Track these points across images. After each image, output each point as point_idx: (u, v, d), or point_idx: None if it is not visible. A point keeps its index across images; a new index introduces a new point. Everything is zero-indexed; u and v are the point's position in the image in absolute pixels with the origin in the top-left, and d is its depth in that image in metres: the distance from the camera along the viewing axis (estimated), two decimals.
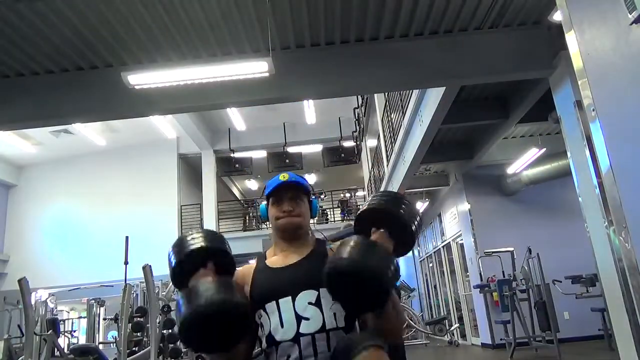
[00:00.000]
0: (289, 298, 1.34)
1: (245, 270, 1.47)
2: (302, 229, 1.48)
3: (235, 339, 1.25)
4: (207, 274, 1.30)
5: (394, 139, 8.38)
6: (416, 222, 1.38)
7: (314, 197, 1.53)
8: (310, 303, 1.33)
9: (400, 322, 1.44)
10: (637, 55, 1.45)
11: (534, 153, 7.01)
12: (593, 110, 1.70)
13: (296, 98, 5.88)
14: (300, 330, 1.31)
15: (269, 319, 1.35)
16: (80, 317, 11.78)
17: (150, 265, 5.75)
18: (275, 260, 1.46)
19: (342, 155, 12.95)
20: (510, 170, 7.77)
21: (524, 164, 7.31)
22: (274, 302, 1.35)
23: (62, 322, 8.96)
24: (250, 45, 4.48)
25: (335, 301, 1.32)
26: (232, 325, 1.21)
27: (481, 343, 8.39)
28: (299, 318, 1.32)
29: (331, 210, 14.91)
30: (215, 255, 1.35)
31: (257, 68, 4.06)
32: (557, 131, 5.85)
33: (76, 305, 12.63)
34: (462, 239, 9.00)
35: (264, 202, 1.52)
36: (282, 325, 1.32)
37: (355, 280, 1.22)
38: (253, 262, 1.52)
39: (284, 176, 1.47)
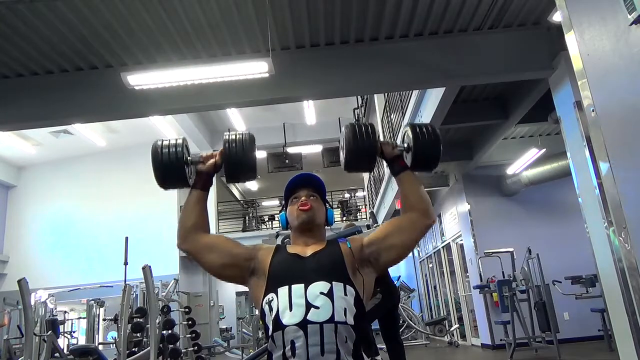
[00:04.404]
0: (302, 285, 1.37)
1: (267, 248, 1.54)
2: (316, 224, 1.55)
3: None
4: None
5: (394, 139, 8.38)
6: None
7: (329, 207, 1.62)
8: (322, 293, 1.35)
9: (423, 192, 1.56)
10: (637, 55, 1.45)
11: (533, 153, 7.01)
12: (593, 110, 1.70)
13: (296, 98, 5.87)
14: (308, 318, 1.31)
15: (279, 301, 1.36)
16: (79, 318, 11.78)
17: (149, 266, 5.76)
18: (293, 249, 1.53)
19: None
20: (510, 170, 7.76)
21: (524, 164, 7.31)
22: (286, 286, 1.38)
23: (61, 322, 8.94)
24: (250, 46, 4.48)
25: (345, 296, 1.37)
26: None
27: (481, 344, 8.38)
28: (308, 305, 1.33)
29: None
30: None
31: (256, 68, 4.05)
32: (557, 131, 5.85)
33: (76, 305, 12.61)
34: (461, 240, 8.99)
35: (283, 212, 1.61)
36: (290, 309, 1.34)
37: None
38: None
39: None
